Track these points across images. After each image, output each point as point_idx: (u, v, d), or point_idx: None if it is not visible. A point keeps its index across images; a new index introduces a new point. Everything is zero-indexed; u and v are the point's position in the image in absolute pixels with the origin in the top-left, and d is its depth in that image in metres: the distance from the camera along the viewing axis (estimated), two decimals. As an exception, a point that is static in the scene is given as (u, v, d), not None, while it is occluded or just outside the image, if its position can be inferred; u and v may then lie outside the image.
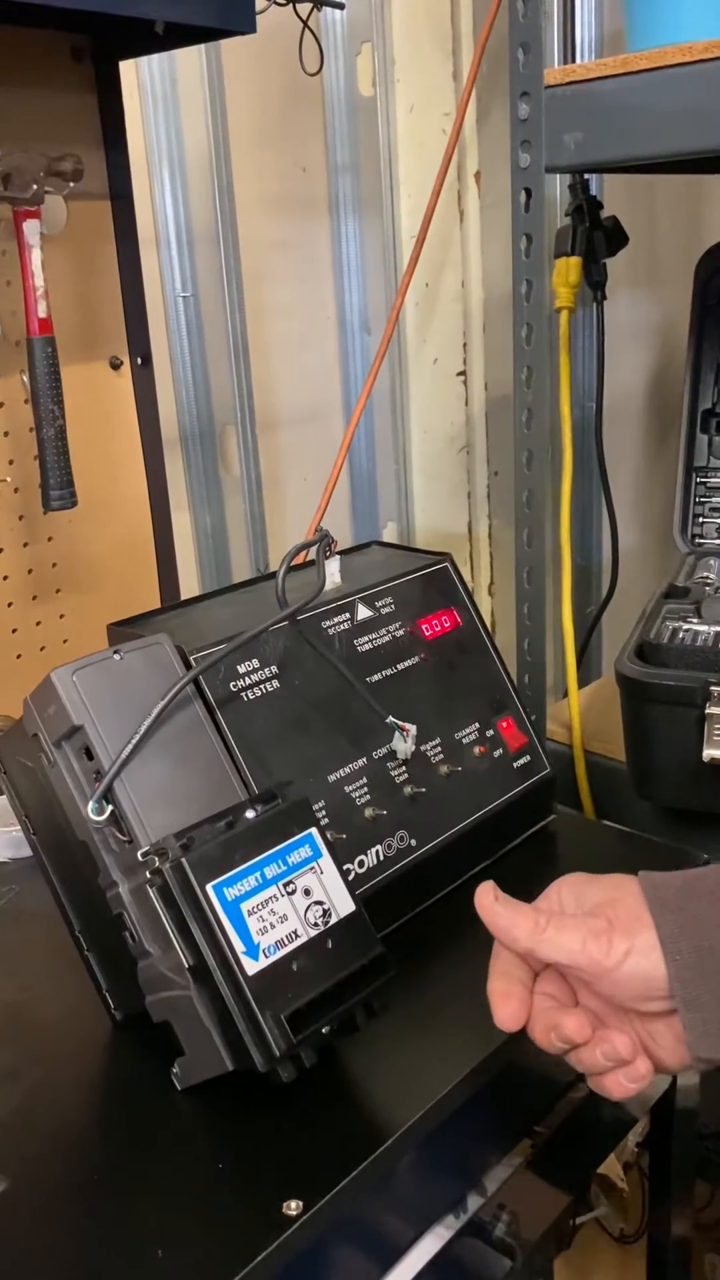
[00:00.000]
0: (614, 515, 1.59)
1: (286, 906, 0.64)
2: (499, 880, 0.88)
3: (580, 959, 0.58)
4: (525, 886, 0.88)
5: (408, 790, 0.84)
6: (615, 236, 1.45)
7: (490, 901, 0.62)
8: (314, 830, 0.67)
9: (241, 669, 0.79)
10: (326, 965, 0.64)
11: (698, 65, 0.95)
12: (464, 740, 0.90)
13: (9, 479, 1.11)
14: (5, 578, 1.13)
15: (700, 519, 1.37)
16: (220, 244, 1.42)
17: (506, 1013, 0.61)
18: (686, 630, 1.12)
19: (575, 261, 1.38)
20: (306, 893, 0.65)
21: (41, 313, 1.03)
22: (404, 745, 0.84)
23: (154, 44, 1.04)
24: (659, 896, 0.59)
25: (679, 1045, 0.58)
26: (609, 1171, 1.37)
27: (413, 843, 0.83)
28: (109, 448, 1.20)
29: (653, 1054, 0.59)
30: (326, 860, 0.67)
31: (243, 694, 0.78)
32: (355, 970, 0.65)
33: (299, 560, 0.84)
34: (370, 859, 0.80)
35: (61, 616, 1.18)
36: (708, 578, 1.24)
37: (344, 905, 0.66)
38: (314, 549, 0.85)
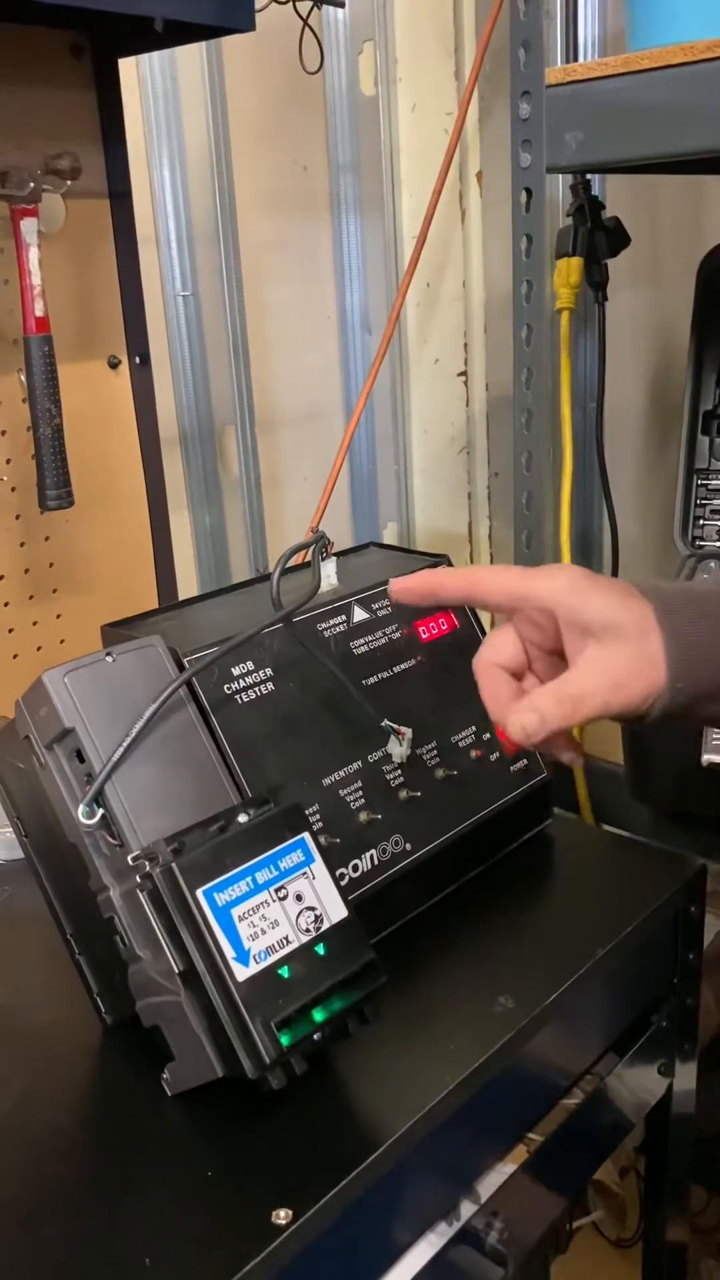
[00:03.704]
0: (614, 517, 1.58)
1: (278, 912, 0.63)
2: (496, 885, 0.88)
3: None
4: (521, 891, 0.88)
5: (403, 794, 0.84)
6: (617, 237, 1.45)
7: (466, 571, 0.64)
8: (306, 835, 0.67)
9: (236, 671, 0.78)
10: (317, 972, 0.63)
11: (700, 65, 0.95)
12: (460, 744, 0.89)
13: (5, 478, 1.10)
14: (2, 577, 1.12)
15: (701, 521, 1.36)
16: (220, 243, 1.42)
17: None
18: (686, 633, 1.11)
19: (576, 262, 1.38)
20: (298, 898, 0.65)
21: (38, 311, 1.03)
22: (399, 749, 0.84)
23: (153, 41, 1.03)
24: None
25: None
26: (605, 1176, 1.37)
27: (408, 847, 0.83)
28: (107, 447, 1.19)
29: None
30: (319, 865, 0.66)
31: (237, 696, 0.78)
32: (347, 977, 0.64)
33: (298, 561, 0.83)
34: (365, 863, 0.80)
35: (58, 616, 1.17)
36: (707, 580, 1.23)
37: (336, 911, 0.66)
38: (310, 550, 0.85)
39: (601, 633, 0.59)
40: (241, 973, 0.61)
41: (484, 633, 0.95)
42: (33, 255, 1.02)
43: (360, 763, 0.82)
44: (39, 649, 1.16)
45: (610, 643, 0.59)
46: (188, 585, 1.42)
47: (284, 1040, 0.60)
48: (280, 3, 1.10)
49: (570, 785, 1.25)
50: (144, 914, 0.63)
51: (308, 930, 0.64)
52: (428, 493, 1.80)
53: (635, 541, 1.70)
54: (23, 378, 1.06)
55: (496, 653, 0.64)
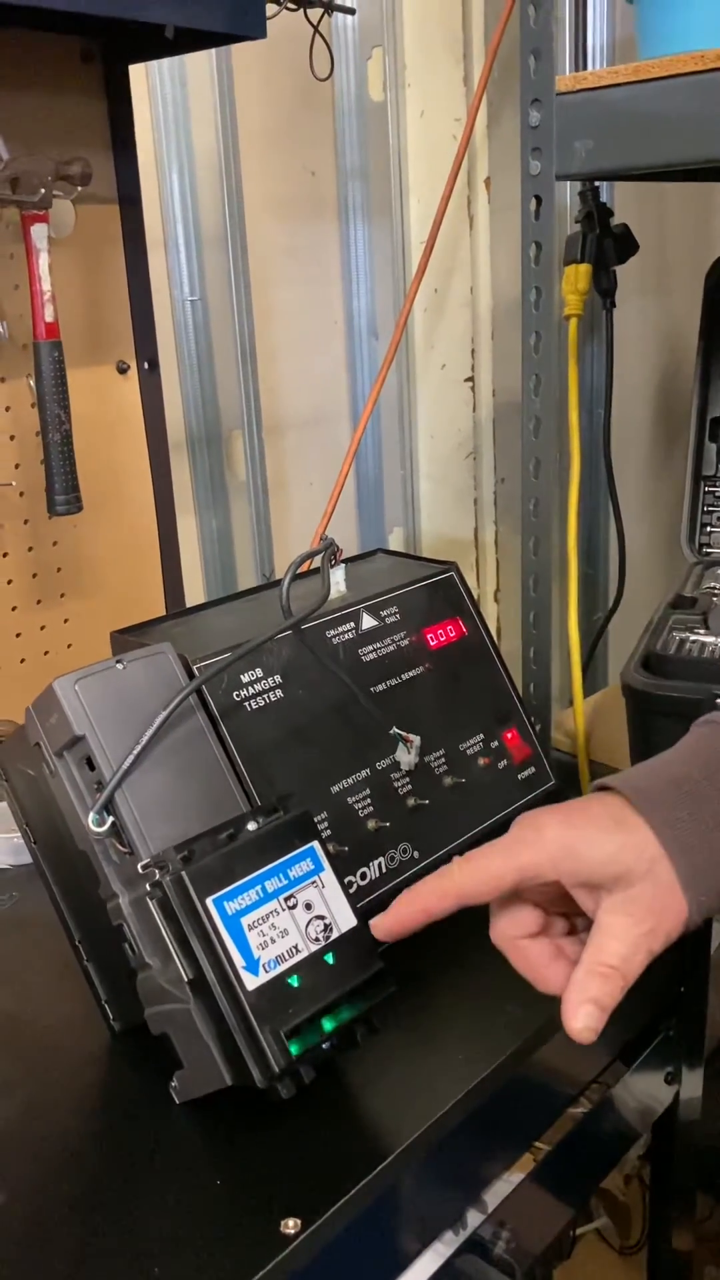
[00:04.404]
0: (621, 523, 1.58)
1: (287, 921, 0.63)
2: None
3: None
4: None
5: (411, 802, 0.84)
6: (625, 244, 1.45)
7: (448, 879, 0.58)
8: (316, 843, 0.67)
9: (245, 678, 0.78)
10: (327, 981, 0.63)
11: (710, 74, 0.94)
12: (468, 751, 0.89)
13: (14, 483, 1.10)
14: (9, 582, 1.12)
15: (708, 528, 1.36)
16: (228, 248, 1.42)
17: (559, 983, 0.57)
18: (693, 641, 1.11)
19: (585, 269, 1.37)
20: (308, 907, 0.65)
21: (48, 317, 1.03)
22: (407, 756, 0.84)
23: (164, 48, 1.04)
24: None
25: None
26: (609, 1183, 1.37)
27: (415, 855, 0.83)
28: (115, 452, 1.19)
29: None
30: (328, 874, 0.66)
31: (246, 704, 0.78)
32: (356, 986, 0.64)
33: (304, 568, 0.84)
34: (373, 871, 0.80)
35: (65, 621, 1.18)
36: (715, 588, 1.23)
37: (345, 920, 0.66)
38: (319, 557, 0.85)
39: (613, 884, 0.55)
40: (251, 981, 0.61)
41: (490, 638, 0.95)
42: (43, 261, 1.02)
43: (368, 770, 0.82)
44: (46, 653, 1.16)
45: (623, 888, 0.55)
46: (193, 588, 1.42)
47: (293, 1049, 0.60)
48: (291, 10, 1.10)
49: (577, 793, 1.25)
50: (153, 922, 0.63)
51: (317, 939, 0.64)
52: (434, 498, 1.80)
53: (642, 548, 1.70)
54: (32, 383, 1.06)
55: (517, 927, 0.60)
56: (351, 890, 0.76)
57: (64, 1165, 0.65)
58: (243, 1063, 0.61)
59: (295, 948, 0.63)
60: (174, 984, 0.64)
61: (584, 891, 0.57)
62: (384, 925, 0.60)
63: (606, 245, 1.42)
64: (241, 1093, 0.63)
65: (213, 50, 1.33)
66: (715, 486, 1.36)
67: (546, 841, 0.56)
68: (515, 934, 0.60)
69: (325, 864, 0.66)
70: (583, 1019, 0.55)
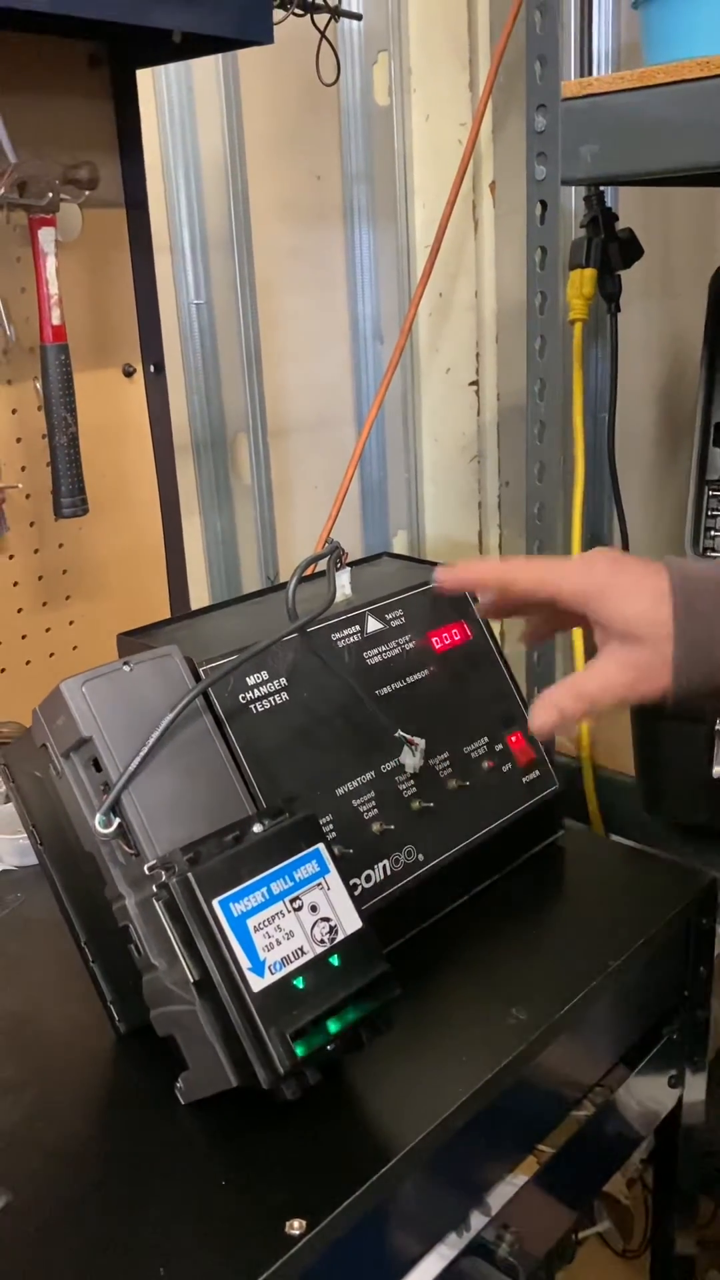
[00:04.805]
0: (625, 527, 1.58)
1: (293, 923, 0.64)
2: (507, 897, 0.88)
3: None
4: (532, 903, 0.88)
5: (415, 805, 0.84)
6: (630, 249, 1.45)
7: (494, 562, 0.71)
8: (321, 846, 0.67)
9: (251, 681, 0.79)
10: (332, 983, 0.63)
11: (715, 80, 0.95)
12: (473, 755, 0.89)
13: (21, 485, 1.11)
14: (15, 584, 1.13)
15: (712, 533, 1.36)
16: (234, 251, 1.42)
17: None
18: (697, 645, 1.11)
19: (590, 273, 1.38)
20: (313, 909, 0.65)
21: (55, 320, 1.03)
22: (412, 759, 0.84)
23: (171, 53, 1.04)
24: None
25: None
26: (612, 1187, 1.37)
27: (420, 858, 0.83)
28: (121, 455, 1.20)
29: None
30: (334, 876, 0.67)
31: (251, 706, 0.78)
32: (361, 988, 0.64)
33: (309, 571, 0.84)
34: (377, 874, 0.80)
35: (71, 623, 1.18)
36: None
37: (350, 922, 0.66)
38: (324, 560, 0.85)
39: (622, 637, 0.64)
40: (257, 983, 0.61)
41: (495, 641, 0.96)
42: (50, 264, 1.02)
43: (373, 773, 0.83)
44: (51, 655, 1.17)
45: (630, 645, 0.64)
46: (198, 590, 1.42)
47: (298, 1051, 0.61)
48: (297, 15, 1.11)
49: (581, 796, 1.25)
50: (159, 923, 0.63)
51: (322, 941, 0.64)
52: (438, 501, 1.80)
53: (646, 551, 1.69)
54: (38, 386, 1.06)
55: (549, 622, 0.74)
56: (356, 893, 0.76)
57: (70, 1165, 0.65)
58: (248, 1064, 0.61)
59: (301, 949, 0.63)
60: (180, 985, 0.64)
61: (599, 628, 0.66)
62: (449, 575, 0.71)
63: (611, 250, 1.42)
64: (247, 1094, 0.63)
65: (219, 55, 1.34)
66: (719, 490, 1.36)
67: (594, 576, 0.66)
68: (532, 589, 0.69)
69: (331, 866, 0.67)
70: (542, 717, 0.65)
